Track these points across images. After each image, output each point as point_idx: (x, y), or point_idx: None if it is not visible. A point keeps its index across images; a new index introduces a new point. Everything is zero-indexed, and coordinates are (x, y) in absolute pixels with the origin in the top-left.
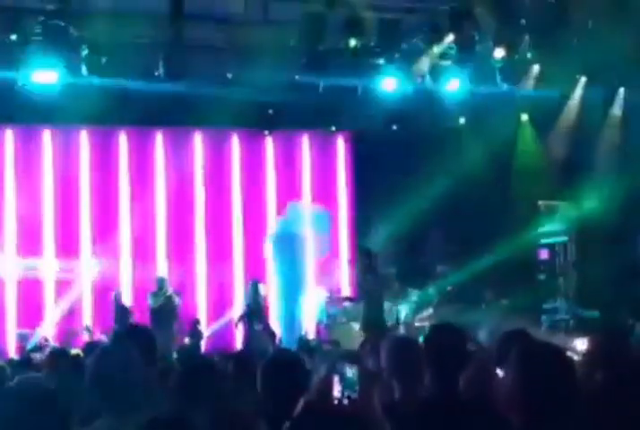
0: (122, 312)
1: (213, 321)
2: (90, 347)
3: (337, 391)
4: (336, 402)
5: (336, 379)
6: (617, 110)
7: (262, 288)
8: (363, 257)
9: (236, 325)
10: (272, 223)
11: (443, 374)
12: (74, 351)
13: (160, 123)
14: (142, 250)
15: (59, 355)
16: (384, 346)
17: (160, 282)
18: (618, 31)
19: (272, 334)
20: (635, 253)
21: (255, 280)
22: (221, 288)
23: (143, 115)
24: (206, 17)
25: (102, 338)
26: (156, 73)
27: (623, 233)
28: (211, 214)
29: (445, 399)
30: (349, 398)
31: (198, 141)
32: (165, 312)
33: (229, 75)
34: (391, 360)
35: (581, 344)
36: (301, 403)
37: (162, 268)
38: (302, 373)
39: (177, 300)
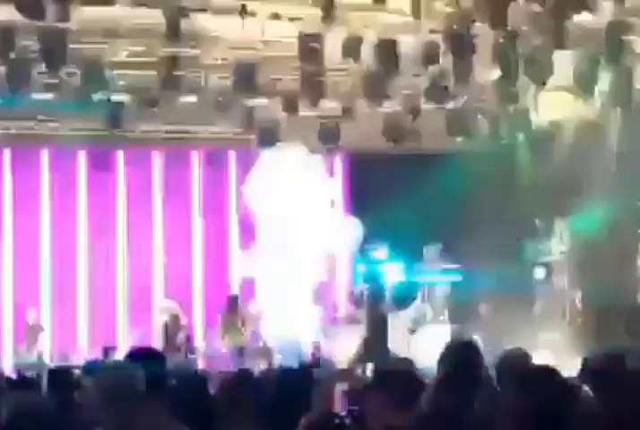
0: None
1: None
2: (91, 365)
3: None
4: (339, 420)
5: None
6: (613, 129)
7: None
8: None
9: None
10: None
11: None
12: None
13: (155, 142)
14: (140, 274)
15: (60, 373)
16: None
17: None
18: (611, 53)
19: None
20: (635, 272)
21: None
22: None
23: (139, 133)
24: (202, 34)
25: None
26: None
27: (622, 252)
28: (207, 230)
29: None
30: (352, 415)
31: (195, 159)
32: (169, 331)
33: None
34: None
35: (577, 364)
36: (303, 423)
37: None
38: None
39: (180, 319)
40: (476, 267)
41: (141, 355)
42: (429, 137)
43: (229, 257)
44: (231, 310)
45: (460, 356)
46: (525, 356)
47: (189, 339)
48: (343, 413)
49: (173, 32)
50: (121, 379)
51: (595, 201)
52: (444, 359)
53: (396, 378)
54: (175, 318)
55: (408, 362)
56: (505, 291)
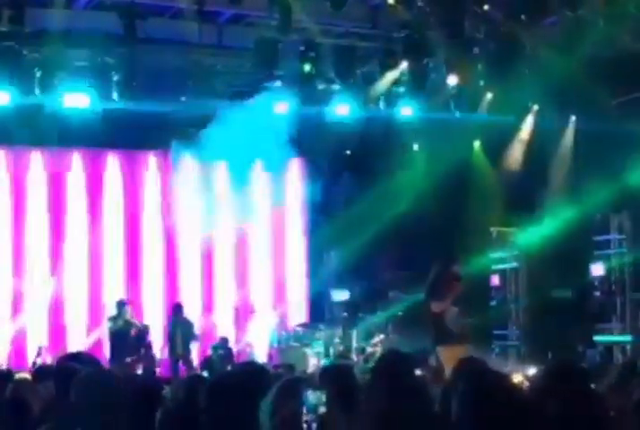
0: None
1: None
2: (42, 371)
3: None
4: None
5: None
6: (568, 138)
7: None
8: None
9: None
10: None
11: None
12: (21, 375)
13: (114, 145)
14: (94, 274)
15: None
16: None
17: (119, 306)
18: (569, 60)
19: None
20: (586, 279)
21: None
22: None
23: (96, 136)
24: (161, 40)
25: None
26: (111, 96)
27: (574, 259)
28: (164, 237)
29: None
30: (317, 421)
31: (152, 162)
32: (123, 336)
33: (183, 98)
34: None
35: (531, 370)
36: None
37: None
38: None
39: (135, 324)
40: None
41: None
42: None
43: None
44: (178, 317)
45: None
46: (478, 362)
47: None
48: None
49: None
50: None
51: (550, 209)
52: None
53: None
54: (129, 324)
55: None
56: (461, 298)
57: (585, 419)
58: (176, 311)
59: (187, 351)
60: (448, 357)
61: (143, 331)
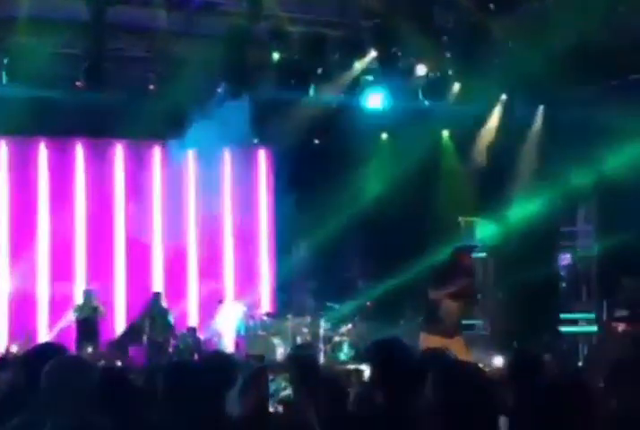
0: None
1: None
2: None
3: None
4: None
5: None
6: (536, 127)
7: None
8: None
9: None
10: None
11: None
12: None
13: (81, 133)
14: (60, 263)
15: None
16: None
17: (87, 294)
18: (537, 50)
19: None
20: (554, 269)
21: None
22: (139, 302)
23: (64, 125)
24: (129, 28)
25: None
26: (77, 83)
27: (541, 249)
28: (132, 225)
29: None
30: (283, 405)
31: (119, 151)
32: (91, 324)
33: (152, 87)
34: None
35: (498, 361)
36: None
37: (81, 281)
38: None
39: (102, 312)
40: (400, 265)
41: (44, 350)
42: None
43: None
44: (156, 306)
45: (386, 353)
46: (444, 353)
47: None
48: None
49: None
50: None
51: (518, 199)
52: (370, 357)
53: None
54: (96, 311)
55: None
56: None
57: (547, 409)
58: (154, 299)
59: (164, 339)
60: (425, 346)
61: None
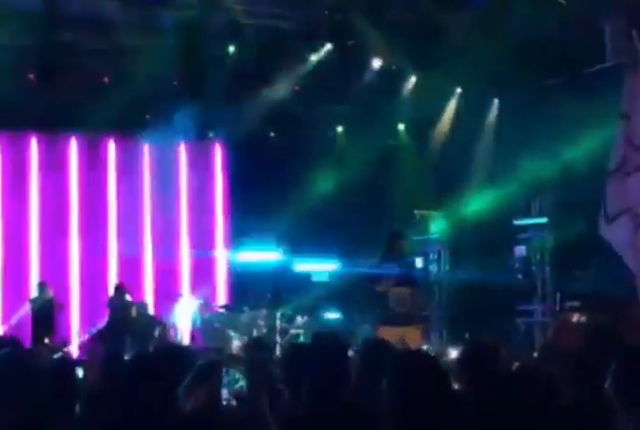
0: None
1: (86, 326)
2: None
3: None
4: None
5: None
6: (491, 120)
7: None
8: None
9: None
10: None
11: (325, 381)
12: None
13: (34, 127)
14: (14, 256)
15: None
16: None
17: (40, 287)
18: (492, 44)
19: None
20: (509, 261)
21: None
22: (96, 293)
23: (16, 119)
24: (83, 20)
25: None
26: (30, 76)
27: (497, 242)
28: (87, 219)
29: (325, 406)
30: (236, 398)
31: (73, 146)
32: (46, 316)
33: (106, 79)
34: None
35: (453, 352)
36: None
37: (35, 274)
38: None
39: (59, 305)
40: (354, 256)
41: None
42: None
43: (108, 242)
44: (119, 298)
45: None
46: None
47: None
48: None
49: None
50: None
51: (474, 192)
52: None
53: None
54: (50, 304)
55: None
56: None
57: (499, 401)
58: (116, 292)
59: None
60: (385, 338)
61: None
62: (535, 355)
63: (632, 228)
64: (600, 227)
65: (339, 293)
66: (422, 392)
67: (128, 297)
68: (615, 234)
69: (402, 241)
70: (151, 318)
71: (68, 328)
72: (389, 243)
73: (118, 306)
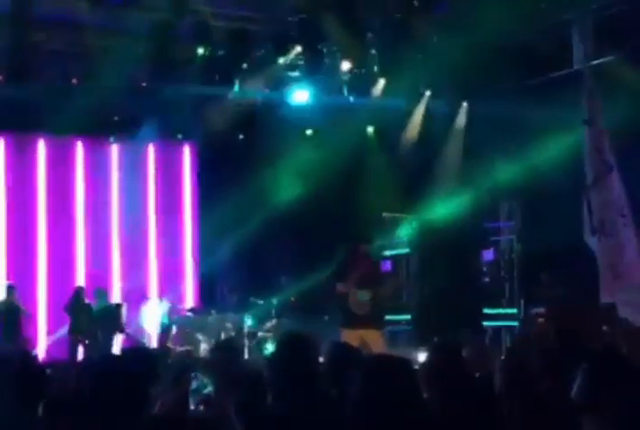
0: None
1: (54, 330)
2: None
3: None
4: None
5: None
6: (460, 124)
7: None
8: None
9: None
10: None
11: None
12: None
13: (2, 128)
14: None
15: None
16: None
17: (9, 290)
18: (461, 46)
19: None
20: (477, 264)
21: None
22: (62, 297)
23: None
24: (52, 21)
25: None
26: None
27: (465, 246)
28: (55, 222)
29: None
30: (204, 403)
31: (42, 147)
32: (13, 319)
33: (74, 81)
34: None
35: (421, 356)
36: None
37: (2, 276)
38: None
39: (24, 311)
40: (324, 260)
41: None
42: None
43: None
44: (78, 301)
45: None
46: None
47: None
48: None
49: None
50: None
51: (442, 195)
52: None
53: None
54: (14, 307)
55: None
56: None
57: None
58: (76, 295)
59: (91, 335)
60: (347, 341)
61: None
62: (502, 358)
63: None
64: (585, 236)
65: (307, 295)
66: (396, 397)
67: (85, 300)
68: (597, 243)
69: (365, 245)
70: (113, 321)
71: (35, 331)
72: (345, 257)
73: (76, 309)
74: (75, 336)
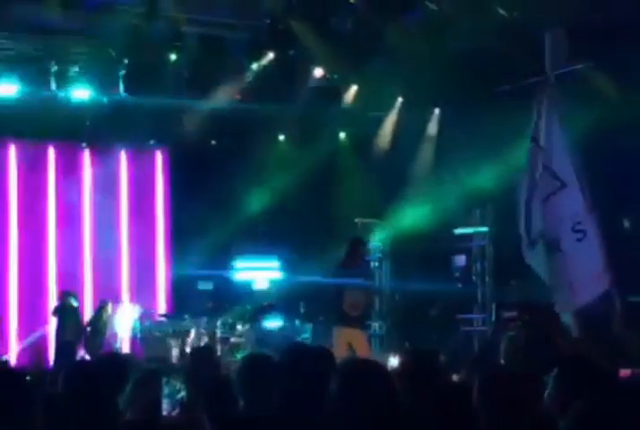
0: None
1: (25, 335)
2: None
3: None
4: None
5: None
6: (432, 130)
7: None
8: None
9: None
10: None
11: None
12: None
13: None
14: None
15: None
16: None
17: None
18: (433, 54)
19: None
20: (449, 270)
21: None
22: (33, 302)
23: None
24: (23, 26)
25: None
26: None
27: (438, 252)
28: (26, 227)
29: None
30: (177, 408)
31: (12, 153)
32: None
33: (48, 86)
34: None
35: (394, 361)
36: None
37: None
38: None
39: None
40: (294, 265)
41: None
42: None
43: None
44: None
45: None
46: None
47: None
48: None
49: None
50: None
51: (415, 201)
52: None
53: None
54: None
55: None
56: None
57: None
58: (62, 298)
59: (77, 339)
60: (336, 339)
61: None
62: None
63: (544, 252)
64: (523, 252)
65: (280, 301)
66: (372, 400)
67: (74, 303)
68: (534, 258)
69: (362, 247)
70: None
71: (6, 336)
72: (350, 250)
73: (63, 313)
74: (64, 340)
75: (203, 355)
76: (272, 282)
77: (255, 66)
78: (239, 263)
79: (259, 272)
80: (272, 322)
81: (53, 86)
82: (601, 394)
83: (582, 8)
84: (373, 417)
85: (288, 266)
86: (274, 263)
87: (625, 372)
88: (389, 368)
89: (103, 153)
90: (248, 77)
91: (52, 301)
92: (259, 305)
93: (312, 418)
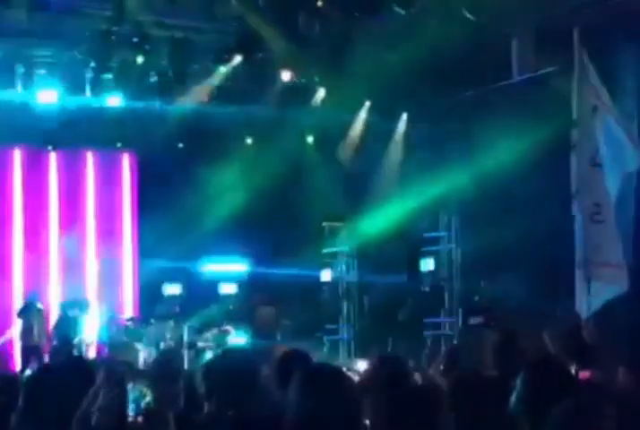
0: None
1: None
2: None
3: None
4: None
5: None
6: (399, 134)
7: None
8: None
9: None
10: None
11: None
12: None
13: None
14: None
15: None
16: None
17: None
18: (401, 58)
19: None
20: (416, 274)
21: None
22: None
23: None
24: None
25: None
26: None
27: (406, 255)
28: None
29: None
30: (143, 413)
31: None
32: None
33: (13, 89)
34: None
35: (360, 365)
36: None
37: None
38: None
39: None
40: (262, 268)
41: None
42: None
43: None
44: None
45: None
46: (305, 356)
47: None
48: None
49: None
50: None
51: (382, 205)
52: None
53: None
54: None
55: None
56: (293, 293)
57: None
58: (30, 300)
59: (43, 342)
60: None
61: None
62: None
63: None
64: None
65: (247, 304)
66: (332, 407)
67: (39, 306)
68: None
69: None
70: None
71: None
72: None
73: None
74: (30, 343)
75: (168, 359)
76: (240, 286)
77: (222, 69)
78: (207, 266)
79: (227, 273)
80: (240, 327)
81: (19, 89)
82: (571, 398)
83: (550, 13)
84: (330, 423)
85: (256, 268)
86: (242, 266)
87: (584, 374)
88: (356, 373)
89: (69, 156)
90: (216, 80)
91: (17, 303)
92: (227, 310)
93: (274, 420)
